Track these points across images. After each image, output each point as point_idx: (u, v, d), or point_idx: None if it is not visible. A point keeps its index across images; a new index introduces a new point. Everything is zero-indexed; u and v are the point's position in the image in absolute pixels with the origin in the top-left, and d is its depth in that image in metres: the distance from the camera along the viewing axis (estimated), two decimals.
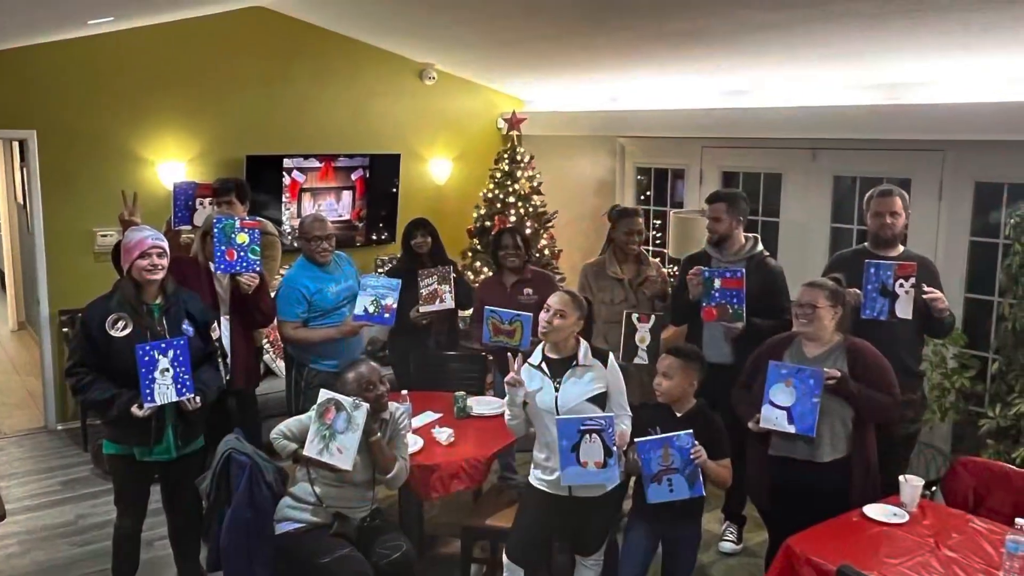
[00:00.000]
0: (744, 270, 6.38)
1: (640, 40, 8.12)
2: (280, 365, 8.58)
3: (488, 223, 10.77)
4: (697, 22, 7.22)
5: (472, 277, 10.34)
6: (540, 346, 5.47)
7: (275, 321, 6.92)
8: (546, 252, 10.71)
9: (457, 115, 11.83)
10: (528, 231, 10.28)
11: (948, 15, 5.94)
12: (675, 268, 8.60)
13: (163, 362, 5.26)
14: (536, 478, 5.40)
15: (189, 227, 7.36)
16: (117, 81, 9.41)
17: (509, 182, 10.83)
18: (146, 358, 5.21)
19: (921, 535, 4.83)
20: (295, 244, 8.74)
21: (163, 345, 5.29)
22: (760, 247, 6.82)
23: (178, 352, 5.31)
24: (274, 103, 10.37)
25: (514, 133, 11.22)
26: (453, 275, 7.48)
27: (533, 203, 10.85)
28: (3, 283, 15.37)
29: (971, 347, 7.36)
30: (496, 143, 11.85)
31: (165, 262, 5.50)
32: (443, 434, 6.23)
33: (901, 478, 5.20)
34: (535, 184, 11.01)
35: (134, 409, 5.27)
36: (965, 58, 6.92)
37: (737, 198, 6.83)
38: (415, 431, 6.24)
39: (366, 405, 5.29)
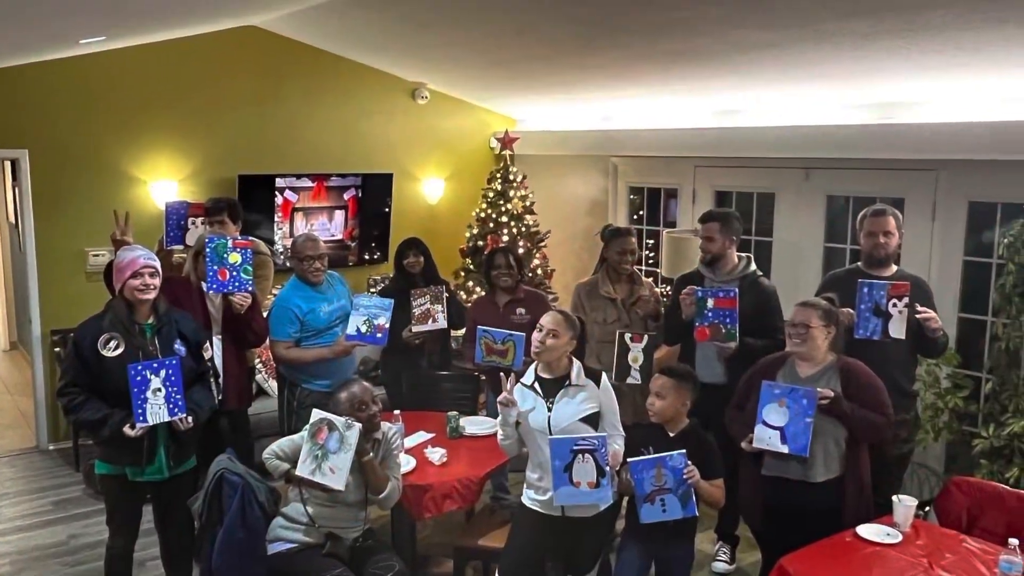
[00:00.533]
0: (737, 290, 6.37)
1: (633, 60, 8.13)
2: (272, 385, 8.56)
3: (481, 243, 10.78)
4: (690, 42, 7.23)
5: (465, 297, 10.35)
6: (533, 366, 5.46)
7: (267, 341, 6.91)
8: (539, 272, 10.71)
9: (449, 134, 11.83)
10: (521, 251, 10.28)
11: (941, 35, 5.95)
12: (668, 288, 8.60)
13: (155, 382, 5.24)
14: (529, 498, 5.39)
15: (181, 247, 7.34)
16: (109, 100, 9.41)
17: (502, 202, 10.84)
18: (138, 378, 5.19)
19: (914, 555, 4.83)
20: (287, 264, 8.71)
21: (155, 365, 5.27)
22: (753, 267, 6.82)
23: (170, 372, 5.30)
24: (266, 122, 10.37)
25: (507, 152, 11.25)
26: (446, 295, 7.47)
27: (526, 223, 10.86)
28: None
29: (964, 367, 7.35)
30: (489, 162, 11.87)
31: (157, 282, 5.49)
32: (436, 454, 6.22)
33: (894, 498, 5.20)
34: (528, 204, 11.03)
35: (126, 429, 5.25)
36: (958, 77, 6.94)
37: (730, 217, 6.84)
38: (408, 451, 6.23)
39: (358, 425, 5.27)
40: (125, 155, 9.53)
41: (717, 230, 6.73)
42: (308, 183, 10.51)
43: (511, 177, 10.99)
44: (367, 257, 11.24)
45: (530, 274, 10.33)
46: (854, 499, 5.35)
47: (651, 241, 10.70)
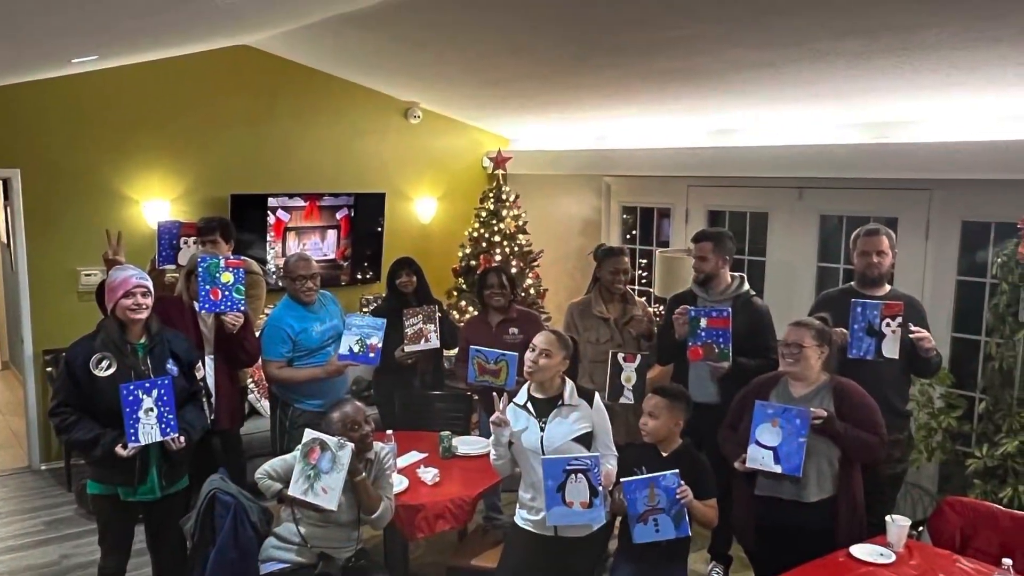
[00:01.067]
0: (730, 309, 6.39)
1: (626, 79, 8.13)
2: (265, 405, 8.55)
3: (473, 262, 10.77)
4: (685, 61, 7.23)
5: (457, 316, 10.34)
6: (526, 385, 5.46)
7: (260, 360, 6.91)
8: (532, 291, 10.71)
9: (442, 154, 11.83)
10: (514, 270, 10.27)
11: (935, 54, 5.96)
12: (661, 307, 8.60)
13: (147, 402, 5.24)
14: (522, 518, 5.37)
15: (174, 266, 7.32)
16: (101, 120, 9.41)
17: (494, 221, 10.84)
18: (130, 398, 5.20)
19: (908, 575, 4.82)
20: (280, 283, 8.72)
21: (147, 385, 5.27)
22: (746, 286, 6.83)
23: (162, 392, 5.30)
24: (259, 142, 10.37)
25: (499, 172, 11.26)
26: (438, 314, 7.47)
27: (518, 242, 10.86)
28: None
29: (958, 387, 7.36)
30: (481, 182, 11.87)
31: (149, 301, 5.49)
32: (428, 474, 6.21)
33: (888, 518, 5.19)
34: (520, 223, 11.02)
35: (118, 449, 5.25)
36: (951, 97, 6.94)
37: (723, 237, 6.85)
38: (400, 471, 6.22)
39: (351, 445, 5.27)
40: (117, 174, 9.52)
41: (710, 250, 6.74)
42: (300, 202, 10.51)
43: (504, 197, 10.99)
44: (360, 277, 11.22)
45: (523, 294, 10.34)
46: (847, 519, 5.33)
47: (644, 261, 10.69)
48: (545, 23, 7.08)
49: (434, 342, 7.41)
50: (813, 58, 6.54)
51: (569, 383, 5.36)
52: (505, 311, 7.52)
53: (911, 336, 5.86)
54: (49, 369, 9.14)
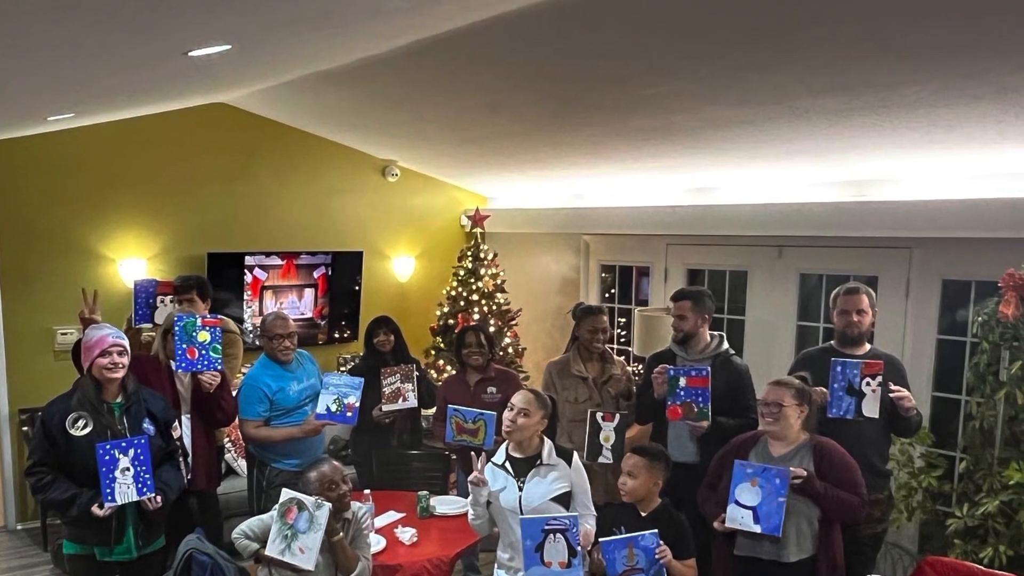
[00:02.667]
0: (709, 368, 6.37)
1: (606, 136, 8.15)
2: (242, 464, 8.52)
3: (451, 321, 10.76)
4: (663, 119, 7.25)
5: (435, 375, 10.31)
6: (504, 445, 5.46)
7: (237, 420, 6.87)
8: (510, 350, 10.69)
9: (420, 212, 11.83)
10: (492, 329, 10.24)
11: (915, 111, 5.98)
12: (640, 366, 8.58)
13: (124, 461, 5.22)
14: None
15: (150, 325, 7.30)
16: (77, 178, 9.38)
17: (472, 279, 10.84)
18: (107, 457, 5.18)
19: None
20: (257, 342, 8.70)
21: (124, 444, 5.25)
22: (726, 345, 6.83)
23: (139, 451, 5.27)
24: (236, 200, 10.35)
25: (477, 230, 11.26)
26: (416, 373, 7.47)
27: (497, 301, 10.86)
28: None
29: (938, 446, 7.34)
30: (459, 240, 11.88)
31: (126, 360, 5.49)
32: (406, 534, 6.20)
33: None
34: (499, 282, 11.03)
35: (95, 509, 5.23)
36: (931, 155, 6.96)
37: (702, 295, 6.86)
38: (378, 531, 6.21)
39: (328, 505, 5.25)
40: (94, 233, 9.49)
41: (689, 308, 6.74)
42: (278, 261, 10.49)
43: (482, 255, 11.01)
44: (337, 335, 11.19)
45: (501, 353, 10.31)
46: None
47: (623, 319, 10.70)
48: (523, 81, 7.11)
49: (412, 401, 7.39)
50: (792, 115, 6.56)
51: (547, 442, 5.35)
52: (483, 370, 7.49)
53: (891, 395, 5.87)
54: (25, 428, 9.07)
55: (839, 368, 5.83)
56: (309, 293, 10.83)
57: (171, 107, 9.52)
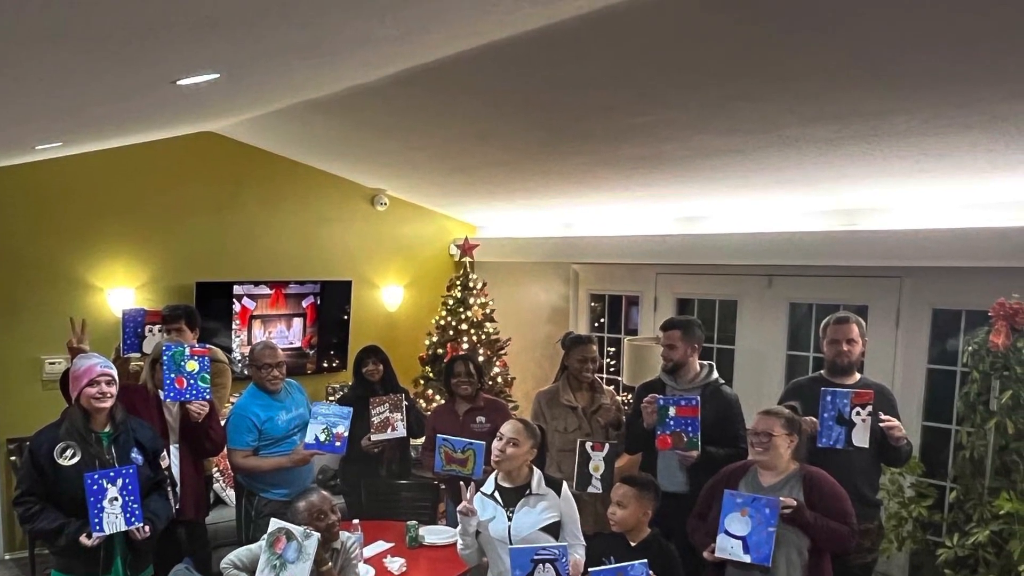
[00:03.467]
0: (699, 398, 6.36)
1: (595, 165, 8.15)
2: (230, 494, 8.49)
3: (440, 350, 10.75)
4: (652, 148, 7.24)
5: (424, 405, 10.29)
6: (493, 475, 5.46)
7: (225, 449, 6.85)
8: (499, 380, 10.67)
9: (409, 241, 11.83)
10: (481, 358, 10.23)
11: (905, 140, 5.98)
12: (629, 396, 8.58)
13: (112, 491, 5.20)
14: None
15: (138, 354, 7.29)
16: (65, 206, 9.36)
17: (461, 309, 10.83)
18: (95, 487, 5.16)
19: None
20: (245, 372, 8.69)
21: (112, 474, 5.23)
22: (715, 375, 6.83)
23: (127, 481, 5.25)
24: (224, 229, 10.34)
25: (467, 259, 11.25)
26: (405, 403, 7.46)
27: (486, 330, 10.85)
28: None
29: (928, 476, 7.34)
30: (448, 269, 11.88)
31: (114, 390, 5.47)
32: (395, 564, 6.18)
33: None
34: (488, 311, 11.02)
35: (83, 538, 5.21)
36: (921, 184, 6.97)
37: (692, 325, 6.86)
38: (367, 560, 6.19)
39: (317, 534, 5.22)
40: (81, 262, 9.47)
41: (679, 338, 6.74)
42: (266, 290, 10.47)
43: (471, 284, 11.01)
44: (326, 365, 11.16)
45: (490, 382, 10.29)
46: None
47: (612, 349, 10.69)
48: (512, 110, 7.11)
49: (401, 431, 7.38)
50: (782, 144, 6.56)
51: (537, 472, 5.35)
52: (472, 400, 7.49)
53: (881, 425, 5.86)
54: (13, 458, 9.03)
55: (829, 398, 5.83)
56: (298, 322, 10.81)
57: (159, 136, 9.51)
